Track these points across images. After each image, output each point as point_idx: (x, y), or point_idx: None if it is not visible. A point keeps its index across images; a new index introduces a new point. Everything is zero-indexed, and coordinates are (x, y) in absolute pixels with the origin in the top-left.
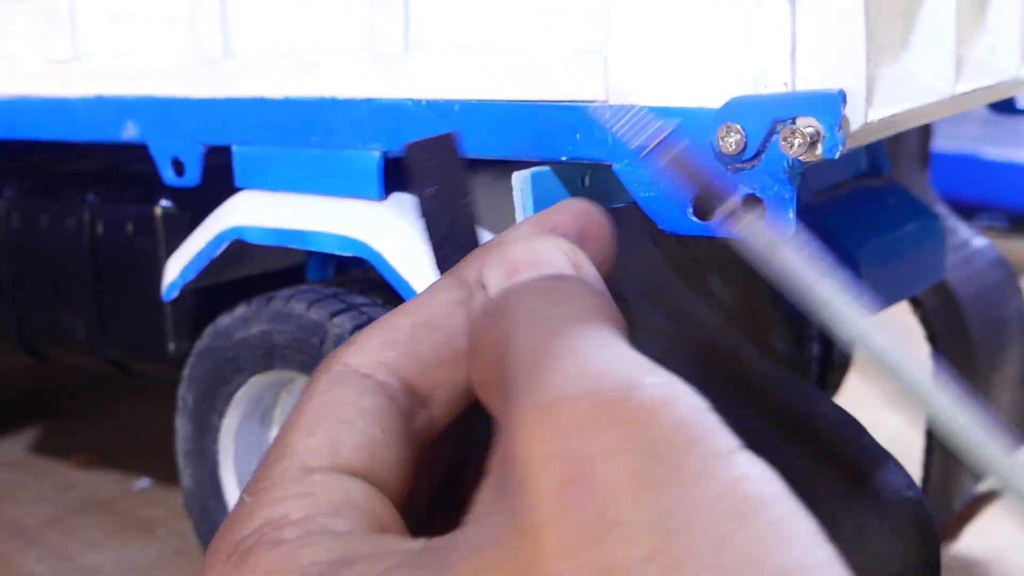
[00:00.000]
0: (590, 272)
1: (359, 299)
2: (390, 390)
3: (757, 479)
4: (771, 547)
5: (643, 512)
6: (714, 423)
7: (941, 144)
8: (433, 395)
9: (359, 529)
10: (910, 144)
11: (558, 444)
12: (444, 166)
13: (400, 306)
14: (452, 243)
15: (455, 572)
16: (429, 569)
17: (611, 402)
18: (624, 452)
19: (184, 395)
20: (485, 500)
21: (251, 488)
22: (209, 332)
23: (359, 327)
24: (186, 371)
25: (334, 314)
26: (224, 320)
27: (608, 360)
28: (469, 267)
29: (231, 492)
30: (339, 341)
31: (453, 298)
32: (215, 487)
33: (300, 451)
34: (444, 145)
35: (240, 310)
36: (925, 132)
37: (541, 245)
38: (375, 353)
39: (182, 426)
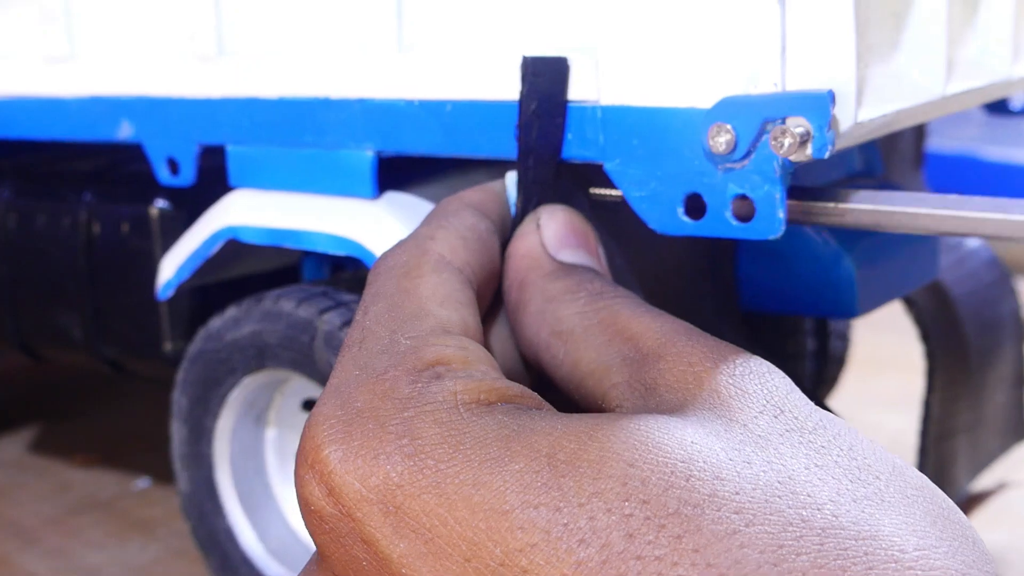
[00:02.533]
0: (609, 273)
1: (347, 296)
2: (472, 288)
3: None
4: (879, 445)
5: (800, 409)
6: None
7: (940, 144)
8: (481, 302)
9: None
10: (904, 144)
11: (724, 364)
12: (551, 86)
13: (448, 218)
14: (536, 155)
15: (672, 420)
16: (643, 416)
17: (746, 353)
18: (768, 376)
19: (178, 399)
20: (627, 398)
21: (402, 333)
22: (201, 335)
23: (347, 323)
24: (179, 375)
25: (323, 311)
26: (215, 323)
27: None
28: (484, 205)
29: (227, 494)
30: (329, 337)
31: (489, 227)
32: (211, 490)
33: (440, 316)
34: (556, 68)
35: (230, 311)
36: (919, 132)
37: (590, 228)
38: (462, 253)
39: (177, 430)
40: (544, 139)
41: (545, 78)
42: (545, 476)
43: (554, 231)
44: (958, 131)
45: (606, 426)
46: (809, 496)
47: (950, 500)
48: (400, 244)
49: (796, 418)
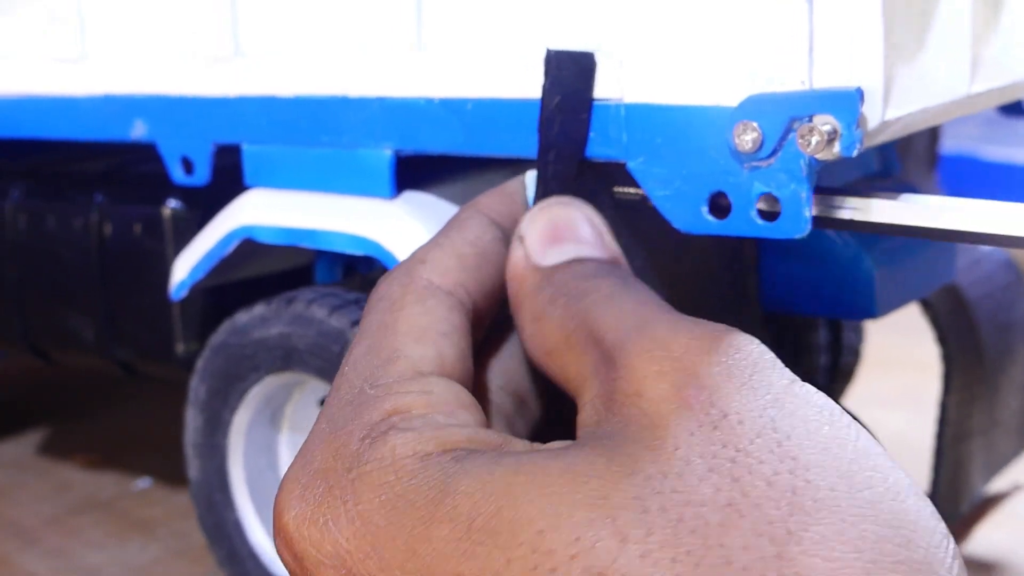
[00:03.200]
0: (614, 247)
1: None
2: (466, 309)
3: (825, 398)
4: (852, 436)
5: (749, 406)
6: (781, 363)
7: (941, 144)
8: (484, 319)
9: (477, 425)
10: (919, 145)
11: (670, 363)
12: (575, 81)
13: (450, 232)
14: (558, 152)
15: (598, 462)
16: (568, 461)
17: (705, 336)
18: (723, 366)
19: (196, 387)
20: (591, 420)
21: (370, 382)
22: (226, 327)
23: None
24: (200, 364)
25: (356, 322)
26: (242, 317)
27: (688, 318)
28: (494, 209)
29: (239, 487)
30: None
31: (497, 237)
32: (222, 480)
33: (412, 356)
34: (581, 63)
35: (259, 309)
36: (933, 133)
37: (575, 212)
38: (453, 274)
39: (193, 418)
40: (566, 135)
41: (569, 73)
42: (465, 544)
43: (536, 237)
44: (958, 131)
45: (524, 483)
46: (721, 547)
47: (919, 513)
48: (395, 269)
49: (733, 428)
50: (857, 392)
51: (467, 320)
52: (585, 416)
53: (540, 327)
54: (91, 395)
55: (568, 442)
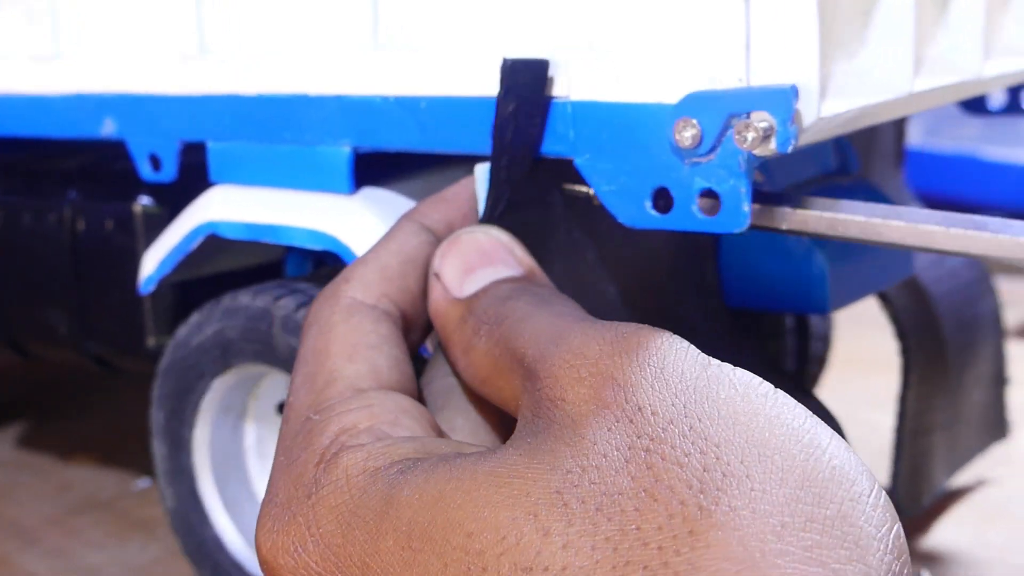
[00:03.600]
0: (527, 260)
1: (301, 284)
2: (393, 318)
3: (743, 372)
4: (766, 405)
5: (661, 397)
6: (696, 349)
7: (941, 144)
8: (417, 322)
9: (421, 432)
10: (884, 143)
11: (587, 368)
12: (529, 88)
13: (379, 245)
14: (510, 156)
15: (520, 462)
16: (493, 463)
17: (617, 339)
18: (636, 364)
19: (155, 416)
20: (520, 427)
21: (313, 409)
22: (170, 348)
23: (302, 305)
24: (154, 391)
25: (278, 298)
26: (182, 332)
27: (600, 324)
28: (427, 215)
29: (212, 503)
30: (285, 322)
31: (425, 240)
32: (196, 502)
33: (348, 375)
34: (535, 71)
35: (194, 317)
36: (898, 131)
37: (482, 237)
38: (376, 287)
39: (157, 448)
40: (520, 140)
41: (524, 80)
42: (408, 553)
43: (450, 271)
44: (958, 131)
45: (454, 490)
46: (638, 530)
47: (833, 469)
48: (324, 289)
49: (648, 419)
50: (851, 393)
51: (396, 328)
52: (518, 429)
53: (471, 359)
54: (90, 394)
55: (501, 445)
